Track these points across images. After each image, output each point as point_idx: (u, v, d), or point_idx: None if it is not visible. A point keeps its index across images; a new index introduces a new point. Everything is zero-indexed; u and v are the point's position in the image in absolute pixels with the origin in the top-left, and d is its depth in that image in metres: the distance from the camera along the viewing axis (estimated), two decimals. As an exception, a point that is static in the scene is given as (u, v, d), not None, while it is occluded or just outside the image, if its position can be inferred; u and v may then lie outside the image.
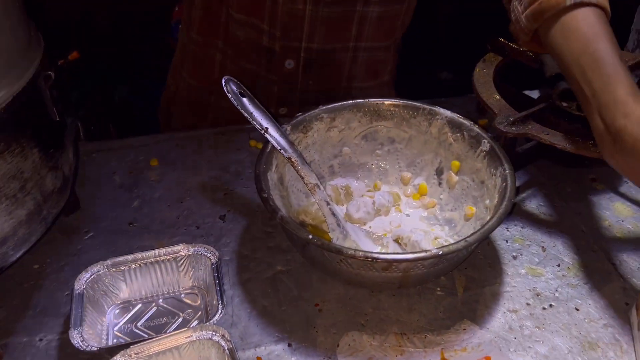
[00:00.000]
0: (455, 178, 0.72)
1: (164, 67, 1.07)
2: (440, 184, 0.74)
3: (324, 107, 0.74)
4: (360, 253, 0.55)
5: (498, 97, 0.75)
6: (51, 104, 0.55)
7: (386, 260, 0.55)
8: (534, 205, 0.76)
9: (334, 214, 0.66)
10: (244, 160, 0.84)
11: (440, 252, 0.54)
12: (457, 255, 0.58)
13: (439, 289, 0.64)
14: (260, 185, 0.62)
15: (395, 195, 0.74)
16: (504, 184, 0.62)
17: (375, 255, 0.55)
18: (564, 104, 0.77)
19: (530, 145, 0.78)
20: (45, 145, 0.54)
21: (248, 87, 0.67)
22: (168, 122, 1.06)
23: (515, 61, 0.85)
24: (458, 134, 0.71)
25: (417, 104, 0.74)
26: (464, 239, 0.56)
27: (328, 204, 0.66)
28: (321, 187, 0.66)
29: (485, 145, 0.67)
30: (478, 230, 0.57)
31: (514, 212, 0.75)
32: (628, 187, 0.79)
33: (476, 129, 0.69)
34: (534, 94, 0.90)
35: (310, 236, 0.56)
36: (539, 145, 0.75)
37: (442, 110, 0.72)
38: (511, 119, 0.69)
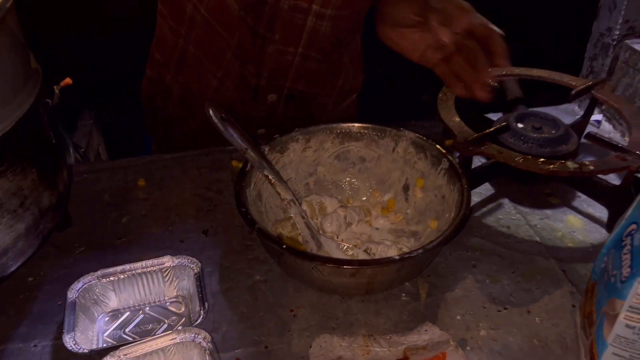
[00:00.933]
0: (420, 194, 0.78)
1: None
2: (406, 199, 0.80)
3: (300, 130, 0.80)
4: (330, 260, 0.61)
5: (458, 119, 0.82)
6: (48, 128, 0.61)
7: (352, 267, 0.61)
8: (493, 218, 0.83)
9: (308, 227, 0.72)
10: (225, 179, 0.90)
11: (398, 257, 0.60)
12: (417, 261, 0.64)
13: (404, 295, 0.70)
14: (240, 200, 0.68)
15: (365, 210, 0.80)
16: (461, 197, 0.69)
17: (344, 262, 0.61)
18: (519, 126, 0.84)
19: (489, 162, 0.85)
20: (44, 166, 0.59)
21: (230, 110, 0.73)
22: (154, 111, 1.07)
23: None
24: (421, 154, 0.77)
25: (384, 127, 0.80)
26: (423, 246, 0.62)
27: (303, 217, 0.72)
28: (296, 203, 0.72)
29: (445, 163, 0.74)
30: (436, 239, 0.63)
31: (475, 224, 0.81)
32: (580, 202, 0.86)
33: (437, 148, 0.76)
34: (493, 117, 0.98)
35: (285, 246, 0.62)
36: (497, 163, 0.82)
37: (406, 132, 0.79)
38: (469, 139, 0.76)
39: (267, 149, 0.77)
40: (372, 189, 0.83)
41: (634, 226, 0.57)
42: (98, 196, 0.87)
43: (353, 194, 0.83)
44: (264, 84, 0.94)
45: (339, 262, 0.61)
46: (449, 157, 0.74)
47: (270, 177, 0.70)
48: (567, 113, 1.08)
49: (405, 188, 0.80)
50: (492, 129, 0.79)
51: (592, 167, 0.72)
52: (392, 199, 0.81)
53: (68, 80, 1.26)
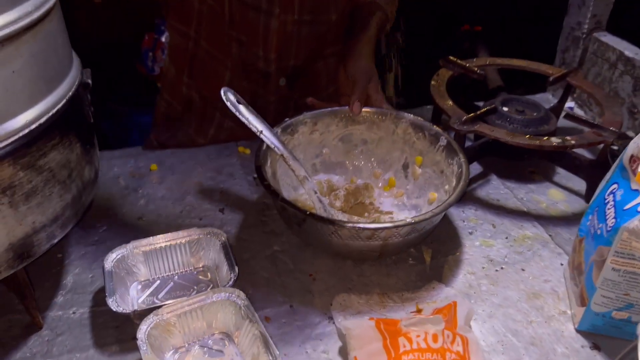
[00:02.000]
0: (419, 171, 0.86)
1: (135, 94, 1.16)
2: (406, 176, 0.88)
3: (307, 113, 0.87)
4: (350, 223, 0.68)
5: (451, 102, 0.90)
6: (88, 108, 0.66)
7: (370, 229, 0.68)
8: (484, 192, 0.91)
9: (320, 201, 0.78)
10: (234, 164, 0.96)
11: (411, 219, 0.67)
12: (427, 224, 0.71)
13: (410, 259, 0.77)
14: (261, 175, 0.74)
15: (369, 187, 0.87)
16: (460, 169, 0.76)
17: (362, 225, 0.67)
18: (505, 109, 0.92)
19: (478, 143, 0.93)
20: (85, 142, 0.64)
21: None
22: (162, 140, 1.10)
23: (462, 76, 1.01)
24: (420, 134, 0.85)
25: (385, 110, 0.88)
26: (431, 210, 0.69)
27: (315, 192, 0.78)
28: (310, 178, 0.78)
29: (443, 140, 0.82)
30: (441, 204, 0.71)
31: (468, 198, 0.89)
32: (560, 177, 0.95)
33: (435, 128, 0.83)
34: (480, 104, 1.06)
35: (308, 212, 0.68)
36: (486, 142, 0.90)
37: (406, 115, 0.86)
38: (462, 119, 0.84)
39: (279, 131, 0.83)
40: (373, 169, 0.90)
41: (615, 185, 0.65)
42: (113, 181, 0.92)
43: (356, 174, 0.90)
44: (273, 69, 1.00)
45: (358, 225, 0.68)
46: (446, 135, 0.82)
47: (284, 155, 0.77)
48: (542, 101, 1.18)
49: (405, 166, 0.88)
50: (482, 110, 0.87)
51: (573, 142, 0.81)
52: (393, 177, 0.88)
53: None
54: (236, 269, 0.69)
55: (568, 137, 0.82)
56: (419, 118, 0.86)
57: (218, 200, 0.88)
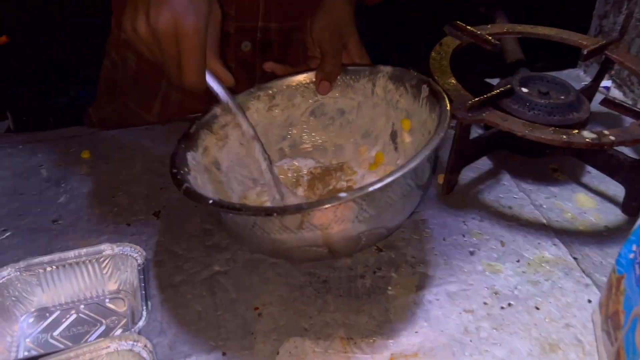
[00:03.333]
0: (409, 138, 0.67)
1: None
2: (396, 148, 0.69)
3: (259, 85, 0.69)
4: (263, 210, 0.52)
5: (454, 81, 0.70)
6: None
7: (290, 210, 0.50)
8: (493, 197, 0.72)
9: (271, 172, 0.61)
10: (184, 152, 0.78)
11: (346, 194, 0.48)
12: (380, 201, 0.52)
13: (390, 288, 0.59)
14: (173, 161, 0.58)
15: (346, 167, 0.70)
16: (438, 120, 0.58)
17: (277, 208, 0.52)
18: (524, 90, 0.72)
19: (488, 133, 0.73)
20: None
21: None
22: (104, 119, 0.93)
23: (473, 47, 0.80)
24: (401, 87, 0.67)
25: (357, 67, 0.71)
26: (380, 179, 0.50)
27: (268, 162, 0.62)
28: (260, 142, 0.62)
29: (425, 90, 0.64)
30: (396, 170, 0.50)
31: (471, 204, 0.70)
32: (590, 178, 0.75)
33: (415, 75, 0.66)
34: (493, 82, 0.86)
35: (211, 201, 0.52)
36: (497, 133, 0.71)
37: (381, 67, 0.69)
38: (467, 103, 0.64)
39: (218, 110, 0.65)
40: (358, 145, 0.72)
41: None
42: (34, 170, 0.75)
43: (337, 154, 0.72)
44: (233, 29, 0.80)
45: (275, 211, 0.50)
46: (429, 82, 0.64)
47: (230, 104, 0.61)
48: (571, 79, 0.97)
49: (393, 136, 0.69)
50: (494, 93, 0.67)
51: (612, 138, 0.61)
52: (381, 152, 0.70)
53: (4, 38, 1.11)
54: (149, 304, 0.52)
55: (605, 132, 0.62)
56: (396, 68, 0.68)
57: (156, 199, 0.70)
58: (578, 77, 0.98)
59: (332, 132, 0.73)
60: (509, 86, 0.70)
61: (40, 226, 0.67)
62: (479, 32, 0.78)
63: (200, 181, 0.60)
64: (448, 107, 0.59)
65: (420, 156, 0.51)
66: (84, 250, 0.57)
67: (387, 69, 0.68)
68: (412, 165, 0.50)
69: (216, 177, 0.63)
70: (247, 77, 0.86)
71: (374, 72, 0.69)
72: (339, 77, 0.71)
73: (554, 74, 0.81)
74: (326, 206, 0.49)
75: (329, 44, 0.69)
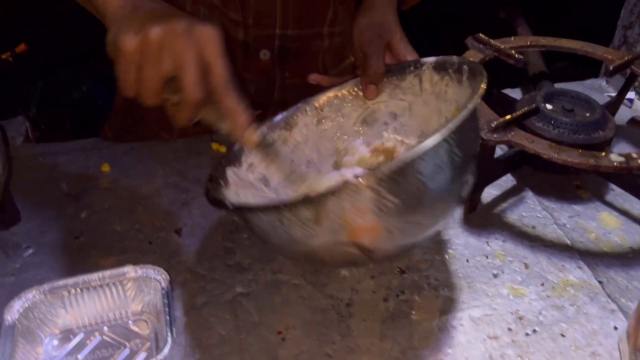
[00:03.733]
0: None
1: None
2: None
3: (305, 100, 0.68)
4: (270, 204, 0.52)
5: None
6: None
7: (296, 202, 0.48)
8: (516, 216, 0.71)
9: None
10: (204, 166, 0.77)
11: (362, 172, 0.48)
12: (399, 182, 0.46)
13: (413, 312, 0.59)
14: (211, 176, 0.59)
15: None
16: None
17: (285, 201, 0.51)
18: (549, 107, 0.71)
19: (512, 151, 0.72)
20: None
21: None
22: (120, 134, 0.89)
23: (495, 60, 0.79)
24: (446, 77, 0.63)
25: (400, 65, 0.67)
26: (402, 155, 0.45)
27: None
28: None
29: (465, 71, 0.60)
30: (419, 142, 0.45)
31: (495, 223, 0.70)
32: (614, 195, 0.74)
33: (455, 59, 0.62)
34: (514, 93, 0.85)
35: (232, 205, 0.53)
36: (521, 151, 0.70)
37: (425, 59, 0.65)
38: (493, 124, 0.64)
39: (266, 128, 0.65)
40: None
41: None
42: (54, 184, 0.74)
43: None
44: (252, 38, 0.79)
45: (282, 203, 0.48)
46: (468, 61, 0.60)
47: None
48: (593, 89, 0.96)
49: None
50: (519, 113, 0.66)
51: (641, 162, 0.60)
52: None
53: (23, 46, 1.11)
54: (174, 331, 0.52)
55: (634, 154, 0.61)
56: (440, 56, 0.64)
57: (177, 216, 0.70)
58: (600, 87, 0.97)
59: (388, 139, 0.70)
60: (534, 105, 0.69)
61: (62, 243, 0.67)
62: (502, 47, 0.77)
63: (242, 196, 0.59)
64: (484, 84, 0.52)
65: (440, 131, 0.45)
66: (107, 273, 0.57)
67: (430, 59, 0.65)
68: (432, 140, 0.44)
69: (263, 192, 0.62)
70: (267, 86, 0.85)
71: (417, 66, 0.66)
72: (385, 79, 0.68)
73: (576, 84, 0.80)
74: (334, 192, 0.45)
75: (370, 46, 0.67)
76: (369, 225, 0.48)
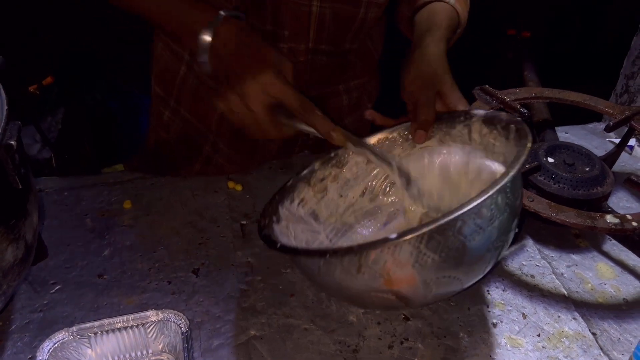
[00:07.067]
0: None
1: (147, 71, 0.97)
2: None
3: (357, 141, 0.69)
4: (315, 250, 0.57)
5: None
6: (13, 173, 0.52)
7: (339, 252, 0.52)
8: (516, 264, 0.75)
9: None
10: (221, 205, 0.81)
11: (396, 235, 0.46)
12: (440, 240, 0.48)
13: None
14: (264, 211, 0.63)
15: None
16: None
17: (329, 250, 0.56)
18: (550, 160, 0.75)
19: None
20: (6, 217, 0.51)
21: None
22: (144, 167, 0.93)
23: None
24: (494, 131, 0.65)
25: (451, 114, 0.69)
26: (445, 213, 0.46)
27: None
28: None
29: (512, 130, 0.61)
30: (468, 202, 0.47)
31: (496, 271, 0.73)
32: (611, 245, 0.78)
33: (503, 117, 0.64)
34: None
35: (279, 245, 0.56)
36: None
37: (476, 112, 0.67)
38: (496, 182, 0.67)
39: (317, 164, 0.70)
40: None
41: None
42: (79, 220, 0.79)
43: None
44: (286, 50, 0.82)
45: (328, 252, 0.53)
46: (515, 120, 0.62)
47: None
48: (595, 134, 1.00)
49: None
50: (523, 170, 0.70)
51: (635, 224, 0.64)
52: None
53: (50, 79, 1.15)
54: (193, 377, 0.56)
55: (628, 216, 0.65)
56: (490, 111, 0.67)
57: (194, 255, 0.74)
58: (602, 132, 1.00)
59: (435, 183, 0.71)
60: (536, 163, 0.72)
61: (86, 280, 0.71)
62: (507, 99, 0.81)
63: (292, 229, 0.62)
64: (529, 145, 0.55)
65: (483, 195, 0.47)
66: (131, 317, 0.61)
67: (480, 112, 0.67)
68: (473, 205, 0.46)
69: (312, 227, 0.66)
70: (292, 142, 0.89)
71: (467, 117, 0.67)
72: (435, 126, 0.69)
73: (579, 128, 0.83)
74: (376, 246, 0.49)
75: (421, 94, 0.69)
76: (407, 277, 0.51)
